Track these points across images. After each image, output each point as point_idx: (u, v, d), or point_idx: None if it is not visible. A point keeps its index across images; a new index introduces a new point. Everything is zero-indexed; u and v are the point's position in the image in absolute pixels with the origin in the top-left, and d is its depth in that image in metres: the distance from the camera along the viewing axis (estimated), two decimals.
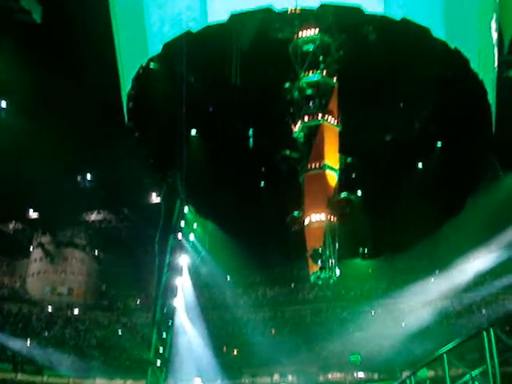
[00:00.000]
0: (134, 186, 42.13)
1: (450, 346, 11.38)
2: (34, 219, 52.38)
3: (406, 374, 32.38)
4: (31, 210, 51.19)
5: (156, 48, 23.73)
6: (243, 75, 26.80)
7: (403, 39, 24.62)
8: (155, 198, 45.22)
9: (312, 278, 26.08)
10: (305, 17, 25.40)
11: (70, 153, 35.74)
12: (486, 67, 26.02)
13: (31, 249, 55.11)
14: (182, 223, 38.01)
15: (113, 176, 40.54)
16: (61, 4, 30.22)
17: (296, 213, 26.39)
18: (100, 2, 26.70)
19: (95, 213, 51.56)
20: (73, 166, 41.46)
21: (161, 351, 38.11)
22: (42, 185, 40.06)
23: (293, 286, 50.10)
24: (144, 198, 45.89)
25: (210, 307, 46.81)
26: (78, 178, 46.05)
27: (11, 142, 35.24)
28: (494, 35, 26.84)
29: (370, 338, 36.27)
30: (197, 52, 25.49)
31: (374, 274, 38.01)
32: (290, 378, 39.72)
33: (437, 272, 44.52)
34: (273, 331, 43.19)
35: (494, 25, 26.53)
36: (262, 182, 30.93)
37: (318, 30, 25.89)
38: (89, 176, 46.08)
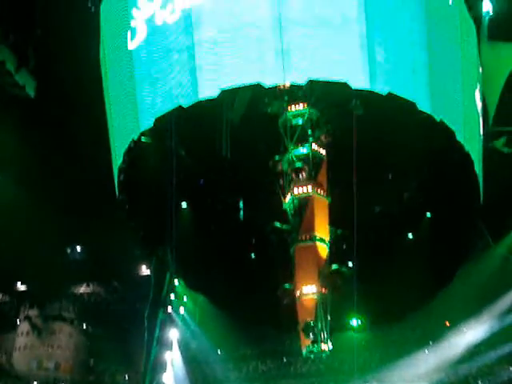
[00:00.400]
0: (124, 258, 41.85)
1: None
2: (22, 292, 51.59)
3: None
4: (19, 283, 50.47)
5: (147, 122, 24.08)
6: (234, 148, 27.25)
7: (390, 112, 25.21)
8: (145, 271, 44.82)
9: (304, 352, 25.64)
10: (293, 92, 26.07)
11: (60, 225, 35.60)
12: (471, 139, 26.54)
13: (18, 322, 54.06)
14: (172, 296, 37.53)
15: (102, 248, 40.31)
16: (54, 79, 30.89)
17: (287, 285, 26.25)
18: (93, 77, 27.33)
19: (84, 285, 50.90)
20: (62, 238, 41.22)
21: None
22: (31, 257, 39.75)
23: (285, 359, 49.06)
24: (134, 271, 45.47)
25: (200, 382, 45.63)
26: (68, 251, 45.74)
27: (0, 213, 35.18)
28: (479, 107, 27.54)
29: None
30: (188, 126, 25.98)
31: (367, 346, 37.33)
32: None
33: (430, 343, 43.92)
34: None
35: (478, 97, 27.27)
36: (253, 254, 30.88)
37: (306, 104, 26.51)
38: (78, 248, 45.78)
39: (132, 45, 23.54)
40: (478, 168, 27.16)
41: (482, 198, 28.01)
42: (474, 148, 26.63)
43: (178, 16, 22.09)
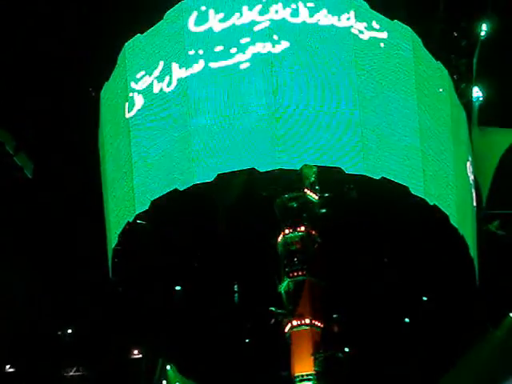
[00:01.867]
0: (115, 341, 41.06)
1: None
2: (10, 374, 50.24)
3: None
4: (8, 365, 49.21)
5: (143, 205, 24.23)
6: (229, 230, 27.32)
7: (383, 196, 25.48)
8: (137, 354, 43.87)
9: None
10: (288, 176, 26.41)
11: (50, 306, 35.19)
12: (465, 222, 26.69)
13: None
14: (164, 382, 36.57)
15: (93, 331, 39.62)
16: (51, 161, 31.38)
17: (282, 372, 25.74)
18: (92, 159, 27.74)
19: (74, 369, 49.63)
20: (52, 320, 40.58)
21: None
22: (19, 339, 39.01)
23: None
24: (125, 354, 44.51)
25: None
26: (58, 333, 44.89)
27: None
28: (472, 191, 27.88)
29: None
30: (183, 208, 26.15)
31: None
32: None
33: None
34: None
35: (470, 181, 27.65)
36: (248, 339, 30.37)
37: (301, 188, 26.82)
38: (69, 331, 44.97)
39: (129, 114, 23.93)
40: (473, 251, 27.18)
41: (477, 281, 27.91)
42: (468, 232, 26.73)
43: (174, 86, 22.51)
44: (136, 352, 44.82)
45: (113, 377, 48.23)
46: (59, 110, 29.96)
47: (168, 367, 36.23)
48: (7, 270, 34.02)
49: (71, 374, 50.92)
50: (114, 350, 43.50)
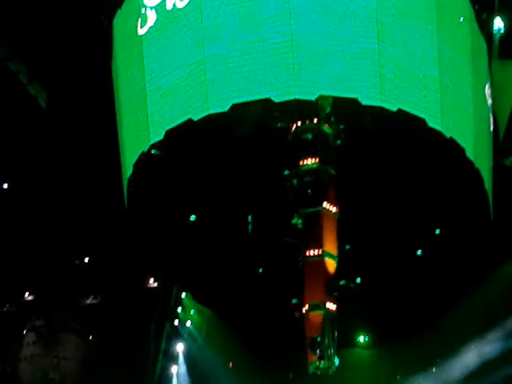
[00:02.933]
0: (132, 270, 41.86)
1: None
2: (29, 302, 51.61)
3: None
4: (26, 293, 50.52)
5: (158, 135, 24.18)
6: (243, 162, 27.29)
7: (399, 128, 25.22)
8: (152, 283, 44.78)
9: (310, 368, 25.42)
10: (303, 107, 26.09)
11: (68, 235, 35.73)
12: (481, 156, 26.47)
13: (24, 332, 54.06)
14: (179, 309, 37.46)
15: (110, 260, 40.36)
16: (65, 90, 31.20)
17: (294, 300, 26.07)
18: (105, 88, 27.55)
19: (91, 297, 50.86)
20: (70, 250, 41.32)
21: None
22: (38, 267, 39.86)
23: (291, 375, 48.73)
24: (141, 283, 45.44)
25: None
26: (76, 262, 45.78)
27: (10, 222, 35.35)
28: (490, 125, 27.52)
29: None
30: (197, 139, 26.09)
31: (374, 364, 37.06)
32: None
33: (438, 361, 43.56)
34: None
35: (489, 115, 27.26)
36: (261, 269, 30.78)
37: (316, 119, 26.51)
38: (86, 260, 45.83)
39: (141, 30, 23.52)
40: (488, 185, 27.07)
41: (491, 216, 27.91)
42: (484, 165, 26.54)
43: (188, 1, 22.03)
44: (151, 281, 45.83)
45: (129, 305, 49.48)
46: (72, 38, 29.54)
47: (183, 295, 37.11)
48: (23, 197, 34.53)
49: (88, 302, 52.37)
50: (130, 279, 44.51)
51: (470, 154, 25.66)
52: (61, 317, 53.13)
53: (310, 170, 26.38)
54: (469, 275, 30.69)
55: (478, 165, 26.14)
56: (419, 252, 31.14)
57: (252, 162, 27.07)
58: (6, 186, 39.05)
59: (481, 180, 26.42)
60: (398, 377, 44.03)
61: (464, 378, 41.84)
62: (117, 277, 43.41)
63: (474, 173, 26.13)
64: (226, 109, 22.45)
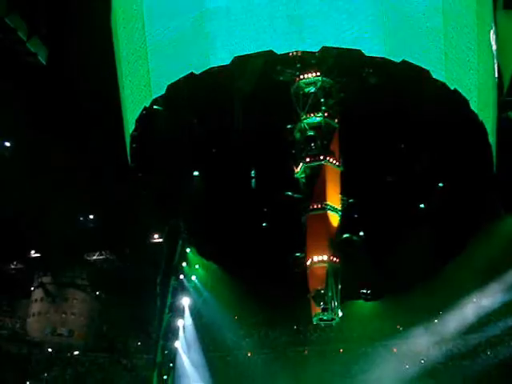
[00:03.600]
0: (136, 226, 42.10)
1: None
2: (35, 259, 52.17)
3: None
4: (32, 250, 51.01)
5: (159, 90, 24.05)
6: (245, 116, 27.15)
7: (403, 81, 25.01)
8: (157, 239, 45.14)
9: (314, 320, 25.82)
10: (306, 59, 25.84)
11: (73, 192, 35.85)
12: (485, 108, 26.31)
13: (32, 289, 54.80)
14: (184, 264, 37.82)
15: (115, 216, 40.55)
16: (65, 47, 30.85)
17: (298, 254, 26.32)
18: (105, 43, 27.27)
19: (97, 253, 51.36)
20: (75, 206, 41.50)
21: None
22: (44, 224, 40.11)
23: (295, 327, 49.53)
24: (146, 239, 45.81)
25: (211, 349, 46.26)
26: (80, 219, 46.08)
27: (14, 181, 35.44)
28: (494, 76, 27.24)
29: (374, 380, 35.77)
30: (199, 94, 25.92)
31: (377, 315, 37.59)
32: None
33: (441, 313, 44.15)
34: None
35: (493, 66, 26.95)
36: (265, 223, 30.92)
37: (319, 72, 26.28)
38: (91, 216, 46.11)
39: None
40: (492, 138, 26.98)
41: (494, 168, 27.90)
42: (487, 118, 26.41)
43: None
44: (156, 236, 46.21)
45: (134, 260, 50.06)
46: None
47: (188, 250, 37.45)
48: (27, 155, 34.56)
49: (94, 258, 52.98)
50: (135, 235, 44.87)
51: (474, 106, 25.51)
52: (67, 273, 53.94)
53: (313, 124, 26.32)
54: (470, 228, 30.79)
55: (481, 117, 26.01)
56: (422, 205, 31.23)
57: (255, 117, 26.91)
58: (8, 144, 39.12)
59: (485, 133, 26.37)
60: (401, 328, 44.84)
61: (465, 329, 42.56)
62: (122, 233, 43.77)
63: (478, 125, 26.10)
64: (227, 62, 22.29)
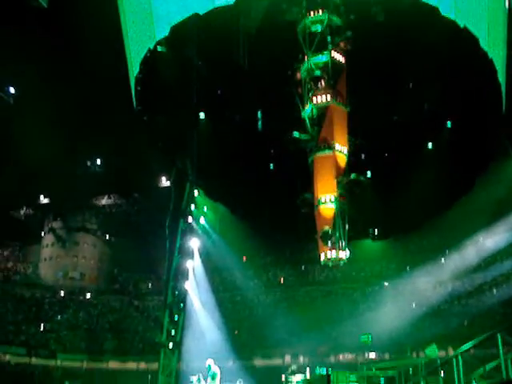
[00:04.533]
0: (144, 169, 42.24)
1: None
2: (45, 204, 52.70)
3: (416, 354, 32.67)
4: (42, 196, 51.47)
5: (163, 31, 23.75)
6: (251, 57, 26.74)
7: (412, 19, 24.49)
8: (165, 182, 45.35)
9: (322, 260, 26.06)
10: None
11: (80, 138, 35.88)
12: (495, 46, 25.84)
13: (43, 234, 55.57)
14: (192, 206, 38.00)
15: (122, 160, 40.64)
16: None
17: (306, 194, 26.30)
18: None
19: (105, 197, 51.78)
20: (83, 152, 41.62)
21: (173, 334, 38.34)
22: (53, 170, 40.30)
23: (303, 267, 50.21)
24: (154, 182, 46.03)
25: (221, 290, 47.12)
26: (88, 163, 46.25)
27: (22, 127, 35.45)
28: (505, 14, 26.62)
29: (381, 318, 36.39)
30: (204, 35, 25.50)
31: (384, 255, 37.95)
32: (301, 359, 39.96)
33: (447, 252, 44.56)
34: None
35: (504, 3, 26.31)
36: (272, 164, 30.83)
37: (325, 10, 25.71)
38: (98, 161, 46.24)
39: None
40: (502, 76, 26.59)
41: (504, 108, 27.59)
42: (497, 56, 25.96)
43: None
44: (164, 179, 46.41)
45: (143, 204, 50.51)
46: None
47: (196, 193, 37.59)
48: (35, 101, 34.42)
49: (103, 202, 53.48)
50: (143, 179, 45.12)
51: (483, 44, 25.07)
52: (77, 218, 54.61)
53: (320, 63, 25.91)
54: (478, 168, 30.66)
55: (491, 55, 25.58)
56: (430, 145, 31.05)
57: (260, 57, 26.50)
58: (12, 90, 38.94)
59: (494, 71, 25.97)
60: (407, 267, 45.36)
61: (471, 269, 43.02)
62: (130, 177, 43.97)
63: (488, 64, 25.69)
64: (232, 2, 21.83)
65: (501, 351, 11.78)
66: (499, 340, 11.64)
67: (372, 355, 36.95)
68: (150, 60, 25.30)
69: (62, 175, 42.85)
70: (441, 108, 29.27)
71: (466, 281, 43.66)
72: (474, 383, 13.91)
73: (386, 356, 35.08)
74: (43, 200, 52.36)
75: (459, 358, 13.66)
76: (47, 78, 34.32)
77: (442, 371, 15.88)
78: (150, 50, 24.81)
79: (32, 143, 37.53)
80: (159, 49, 25.43)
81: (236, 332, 43.38)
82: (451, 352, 36.10)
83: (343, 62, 26.26)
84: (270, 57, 26.94)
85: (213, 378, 21.01)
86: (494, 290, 42.24)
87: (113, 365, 44.60)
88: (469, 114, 28.61)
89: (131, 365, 44.66)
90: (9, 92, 38.60)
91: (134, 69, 26.40)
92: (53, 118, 35.41)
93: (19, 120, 35.95)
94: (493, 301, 40.78)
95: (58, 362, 44.09)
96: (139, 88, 26.64)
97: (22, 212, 54.93)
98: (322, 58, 25.86)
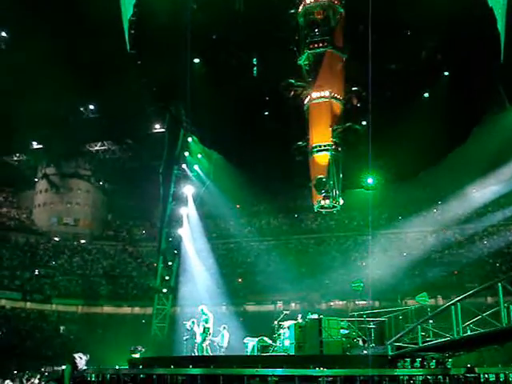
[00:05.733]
0: (138, 115, 41.78)
1: None
2: (38, 150, 52.36)
3: (406, 301, 33.16)
4: (34, 142, 51.06)
5: None
6: (247, 1, 26.18)
7: None
8: (159, 128, 44.96)
9: (315, 207, 26.14)
10: None
11: (73, 83, 35.30)
12: None
13: (36, 180, 55.44)
14: (186, 153, 37.84)
15: (116, 106, 40.12)
16: None
17: (300, 142, 26.18)
18: None
19: (99, 143, 51.46)
20: (76, 97, 41.04)
21: (167, 279, 38.83)
22: (46, 116, 39.83)
23: (296, 215, 50.49)
24: (147, 128, 45.63)
25: (214, 236, 47.42)
26: (81, 109, 45.70)
27: (13, 73, 34.86)
28: None
29: (372, 266, 36.84)
30: None
31: (377, 204, 38.00)
32: (292, 305, 40.58)
33: (439, 203, 44.85)
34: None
35: None
36: (267, 111, 30.49)
37: None
38: (92, 106, 45.68)
39: None
40: (501, 25, 26.18)
41: (502, 57, 27.25)
42: (497, 4, 25.53)
43: None
44: (158, 126, 45.99)
45: (136, 150, 50.22)
46: None
47: (189, 139, 37.32)
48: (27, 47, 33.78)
49: (96, 148, 53.14)
50: (136, 125, 44.63)
51: None
52: (70, 164, 54.38)
53: (318, 8, 25.36)
54: (474, 119, 30.43)
55: (491, 3, 25.16)
56: (426, 94, 30.71)
57: (256, 1, 25.91)
58: (4, 34, 38.18)
59: (494, 20, 25.56)
60: (400, 217, 45.69)
61: (462, 219, 43.41)
62: (124, 123, 43.48)
63: (487, 12, 25.28)
64: None
65: (501, 299, 12.10)
66: (500, 289, 11.92)
67: (362, 302, 37.51)
68: (144, 2, 24.74)
69: (55, 121, 42.36)
70: (439, 57, 28.86)
71: (457, 231, 44.12)
72: (468, 331, 14.23)
73: (376, 303, 35.61)
74: (36, 145, 51.92)
75: (458, 305, 13.98)
76: (39, 22, 33.56)
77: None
78: None
79: (24, 89, 37.03)
80: None
81: (240, 280, 43.82)
82: (440, 300, 37.06)
83: (341, 6, 25.75)
84: (266, 0, 26.33)
85: (206, 323, 21.30)
86: (485, 241, 42.70)
87: (107, 310, 45.25)
88: (467, 63, 28.23)
89: (125, 309, 45.32)
90: (0, 36, 37.91)
91: (127, 11, 25.85)
92: (45, 64, 34.76)
93: (11, 65, 35.29)
94: (483, 251, 41.28)
95: (53, 307, 44.72)
96: (133, 31, 26.14)
97: (15, 158, 54.60)
98: (320, 3, 25.32)
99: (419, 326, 15.81)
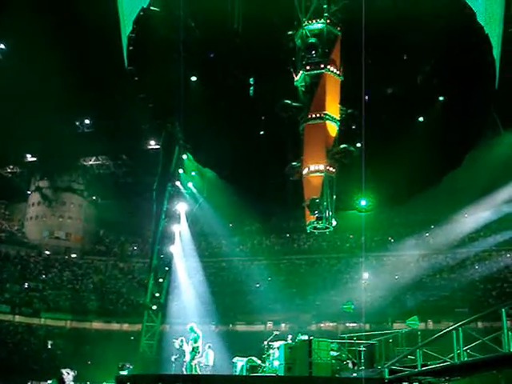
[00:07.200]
0: (133, 131, 41.88)
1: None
2: (32, 163, 52.31)
3: (397, 325, 33.05)
4: (29, 155, 51.04)
5: None
6: (245, 22, 26.36)
7: None
8: (154, 144, 45.06)
9: (308, 228, 26.10)
10: None
11: (69, 97, 35.41)
12: (491, 22, 25.76)
13: (29, 193, 55.29)
14: (181, 171, 37.88)
15: (112, 121, 40.23)
16: None
17: (295, 163, 26.20)
18: None
19: (93, 158, 51.46)
20: (72, 111, 41.12)
21: (157, 296, 38.58)
22: (41, 129, 39.88)
23: (289, 236, 50.50)
24: (143, 144, 45.73)
25: (206, 254, 47.32)
26: (77, 123, 45.78)
27: (10, 85, 34.92)
28: None
29: (364, 289, 36.77)
30: None
31: (370, 227, 38.09)
32: (283, 326, 40.41)
33: (432, 226, 44.94)
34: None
35: None
36: (262, 131, 30.60)
37: None
38: (87, 121, 45.77)
39: None
40: (496, 53, 26.50)
41: (496, 84, 27.54)
42: (493, 32, 25.86)
43: None
44: (153, 142, 46.10)
45: (131, 166, 50.27)
46: None
47: (184, 157, 37.41)
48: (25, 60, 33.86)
49: (90, 162, 53.13)
50: (131, 140, 44.74)
51: (480, 19, 24.93)
52: (64, 178, 54.31)
53: (315, 31, 25.55)
54: (468, 144, 30.65)
55: (487, 31, 25.45)
56: (421, 118, 30.93)
57: (254, 22, 26.07)
58: (2, 46, 38.32)
59: (489, 47, 25.86)
60: (392, 240, 45.74)
61: (457, 243, 43.45)
62: (119, 138, 43.57)
63: (483, 39, 25.56)
64: None
65: (504, 324, 12.17)
66: (503, 314, 12.01)
67: (353, 324, 37.39)
68: (143, 19, 24.92)
69: (50, 134, 42.38)
70: (434, 81, 29.13)
71: (449, 255, 44.17)
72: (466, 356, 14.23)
73: (367, 326, 35.49)
74: (30, 158, 51.88)
75: (459, 330, 14.01)
76: (36, 35, 33.70)
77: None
78: (143, 9, 24.44)
79: (21, 101, 37.10)
80: (152, 8, 25.04)
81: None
82: (431, 325, 37.04)
83: (338, 30, 25.94)
84: (264, 22, 26.50)
85: (195, 341, 21.18)
86: (476, 266, 42.75)
87: (96, 325, 44.91)
88: (461, 89, 28.49)
89: (114, 326, 45.00)
90: None
91: (126, 28, 26.00)
92: (42, 77, 34.89)
93: (7, 77, 35.38)
94: (474, 276, 41.31)
95: (42, 321, 44.35)
96: (131, 48, 26.27)
97: (8, 170, 54.51)
98: (317, 26, 25.51)
99: (418, 350, 15.76)
